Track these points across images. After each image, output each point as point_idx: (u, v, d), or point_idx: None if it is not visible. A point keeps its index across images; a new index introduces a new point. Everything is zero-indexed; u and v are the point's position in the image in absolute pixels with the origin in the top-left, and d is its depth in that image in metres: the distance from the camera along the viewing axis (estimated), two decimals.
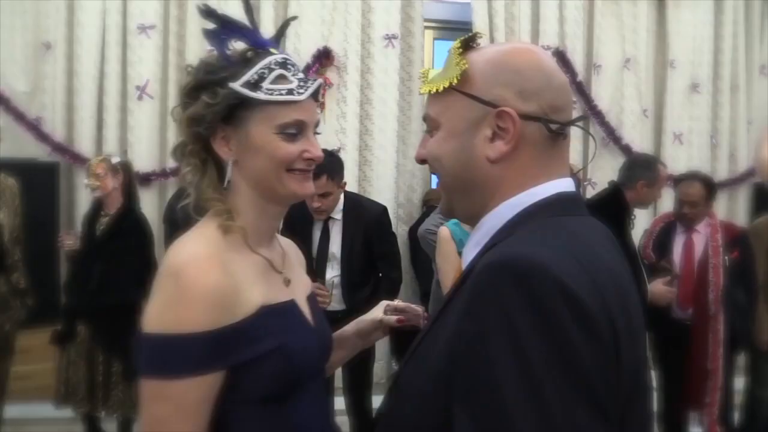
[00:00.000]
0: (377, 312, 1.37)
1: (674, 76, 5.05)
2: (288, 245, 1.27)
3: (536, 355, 0.69)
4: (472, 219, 0.92)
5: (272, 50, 1.09)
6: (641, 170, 3.33)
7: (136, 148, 4.25)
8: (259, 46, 1.09)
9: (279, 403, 1.06)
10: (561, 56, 4.74)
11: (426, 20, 4.73)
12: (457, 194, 0.93)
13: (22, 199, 3.25)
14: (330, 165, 3.01)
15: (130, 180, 3.35)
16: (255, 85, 1.04)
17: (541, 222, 0.83)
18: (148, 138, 4.29)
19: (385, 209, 3.35)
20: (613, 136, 4.86)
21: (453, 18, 4.91)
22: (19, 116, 4.11)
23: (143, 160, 4.19)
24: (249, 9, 1.15)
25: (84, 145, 4.18)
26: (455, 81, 0.88)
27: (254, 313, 1.03)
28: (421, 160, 0.95)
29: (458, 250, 2.49)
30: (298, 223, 3.17)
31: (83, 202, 3.98)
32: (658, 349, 3.47)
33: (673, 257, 3.45)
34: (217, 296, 0.97)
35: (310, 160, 1.09)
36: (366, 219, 3.17)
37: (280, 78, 1.06)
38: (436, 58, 4.97)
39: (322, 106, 4.38)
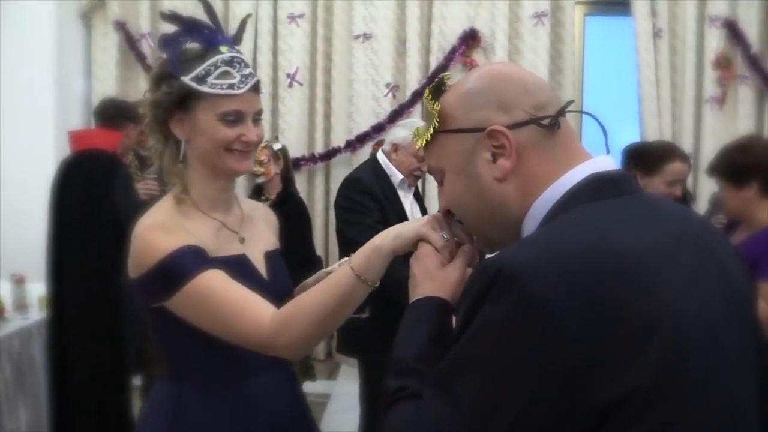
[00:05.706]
0: (335, 266, 1.53)
1: None
2: (254, 209, 1.51)
3: (480, 350, 0.76)
4: (515, 239, 0.91)
5: (223, 49, 1.30)
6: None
7: (287, 134, 4.36)
8: (211, 46, 1.31)
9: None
10: (732, 27, 4.32)
11: None
12: (488, 226, 0.95)
13: None
14: None
15: (288, 165, 3.44)
16: (201, 79, 1.27)
17: (564, 215, 0.83)
18: (298, 124, 4.41)
19: None
20: None
21: None
22: None
23: (293, 145, 4.26)
24: (211, 11, 1.37)
25: None
26: (436, 125, 0.92)
27: None
28: (446, 211, 1.02)
29: None
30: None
31: (239, 186, 4.15)
32: None
33: None
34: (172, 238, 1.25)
35: (246, 143, 1.32)
36: None
37: (225, 74, 1.28)
38: (587, 34, 4.70)
39: None
